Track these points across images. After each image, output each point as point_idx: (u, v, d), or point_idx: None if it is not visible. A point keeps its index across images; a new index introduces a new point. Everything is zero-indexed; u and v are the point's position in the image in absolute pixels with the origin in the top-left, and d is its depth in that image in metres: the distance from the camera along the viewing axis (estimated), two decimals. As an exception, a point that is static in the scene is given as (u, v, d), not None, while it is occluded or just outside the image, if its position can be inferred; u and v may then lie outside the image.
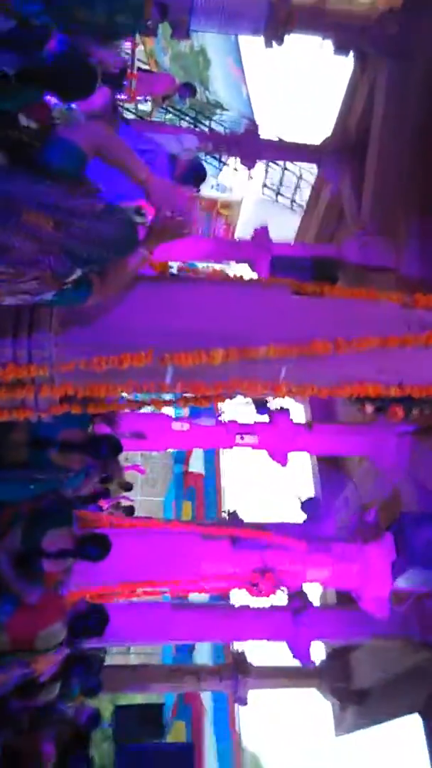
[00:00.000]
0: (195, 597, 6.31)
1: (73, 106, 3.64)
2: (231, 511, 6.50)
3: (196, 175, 5.53)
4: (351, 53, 8.94)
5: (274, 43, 8.86)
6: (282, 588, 5.26)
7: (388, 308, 3.09)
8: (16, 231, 2.03)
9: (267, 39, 8.78)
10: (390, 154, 8.60)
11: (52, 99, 3.33)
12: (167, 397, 3.16)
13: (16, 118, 2.86)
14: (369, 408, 3.20)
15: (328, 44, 8.98)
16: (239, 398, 7.75)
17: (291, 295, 2.97)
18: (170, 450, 12.88)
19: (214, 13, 8.37)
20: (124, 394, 3.02)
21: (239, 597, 5.91)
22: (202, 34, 11.96)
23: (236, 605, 6.36)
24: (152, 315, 2.71)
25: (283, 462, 7.95)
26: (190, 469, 12.49)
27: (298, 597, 6.24)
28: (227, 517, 6.71)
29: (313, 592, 7.24)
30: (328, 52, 9.06)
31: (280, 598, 5.78)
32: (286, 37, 8.72)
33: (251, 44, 10.36)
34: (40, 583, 3.63)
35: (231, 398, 3.10)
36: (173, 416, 7.92)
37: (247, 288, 3.00)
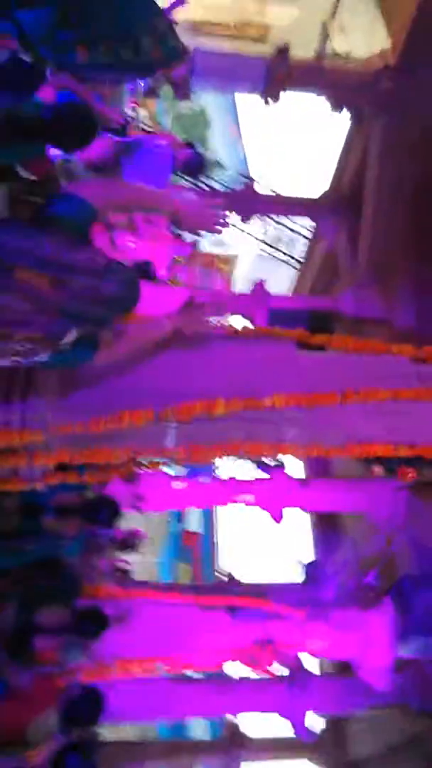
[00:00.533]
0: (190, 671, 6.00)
1: (72, 157, 3.58)
2: (228, 574, 6.23)
3: (196, 165, 6.21)
4: (346, 111, 9.14)
5: (270, 100, 9.06)
6: (280, 660, 4.98)
7: (397, 361, 2.97)
8: (7, 289, 1.90)
9: (265, 97, 8.96)
10: (385, 209, 8.67)
11: (52, 151, 3.27)
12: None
13: (15, 171, 2.78)
14: (378, 469, 3.04)
15: (324, 102, 9.18)
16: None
17: (296, 349, 2.86)
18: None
19: (215, 72, 8.54)
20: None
21: (234, 668, 5.61)
22: (202, 95, 12.26)
23: (232, 677, 6.04)
24: (154, 374, 2.57)
25: (278, 519, 7.75)
26: (186, 528, 12.19)
27: (294, 667, 5.93)
28: (224, 578, 6.45)
29: (312, 660, 6.93)
30: (324, 109, 9.25)
31: (277, 668, 5.49)
32: (282, 94, 8.92)
33: (247, 103, 10.59)
34: (31, 664, 3.37)
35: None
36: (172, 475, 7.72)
37: (251, 343, 2.88)
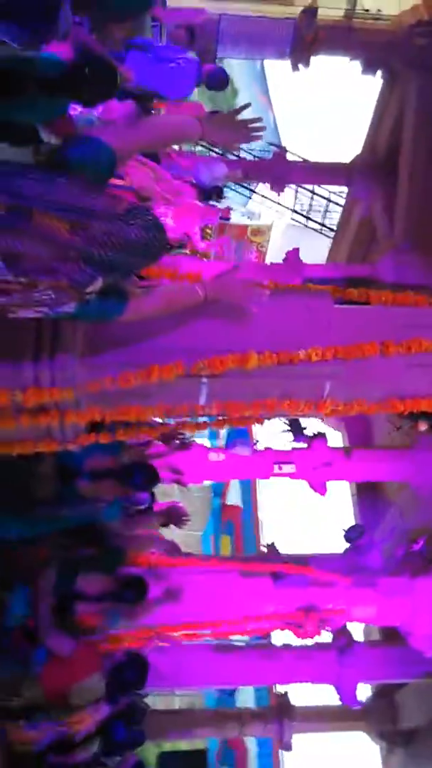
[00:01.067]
0: (236, 638, 5.99)
1: (95, 115, 3.50)
2: (270, 544, 6.17)
3: (219, 80, 6.48)
4: (379, 72, 8.85)
5: (300, 66, 8.83)
6: (326, 627, 4.92)
7: (440, 314, 2.83)
8: (26, 235, 1.83)
9: (293, 62, 8.73)
10: (422, 170, 8.38)
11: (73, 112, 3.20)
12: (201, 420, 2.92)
13: (37, 132, 2.71)
14: (423, 426, 2.92)
15: (356, 64, 8.91)
16: (275, 424, 7.49)
17: (332, 303, 2.74)
18: (208, 483, 12.63)
19: (240, 39, 8.36)
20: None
21: (281, 636, 5.58)
22: (229, 64, 12.02)
23: (278, 645, 6.01)
24: (185, 328, 2.49)
25: (323, 491, 7.63)
26: (228, 502, 12.19)
27: (342, 635, 5.86)
28: (266, 551, 6.39)
29: (357, 628, 6.86)
30: (355, 72, 8.98)
31: (324, 636, 5.44)
32: (313, 59, 8.68)
33: (277, 69, 10.33)
34: (75, 630, 3.37)
35: (270, 419, 2.85)
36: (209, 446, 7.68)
37: (285, 297, 2.77)
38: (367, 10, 9.45)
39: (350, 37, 8.87)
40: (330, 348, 2.59)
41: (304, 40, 8.46)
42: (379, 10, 9.46)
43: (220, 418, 2.82)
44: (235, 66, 11.90)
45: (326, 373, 2.65)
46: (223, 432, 9.29)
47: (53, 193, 1.85)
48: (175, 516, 5.04)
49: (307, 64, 8.74)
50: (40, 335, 2.36)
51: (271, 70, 12.00)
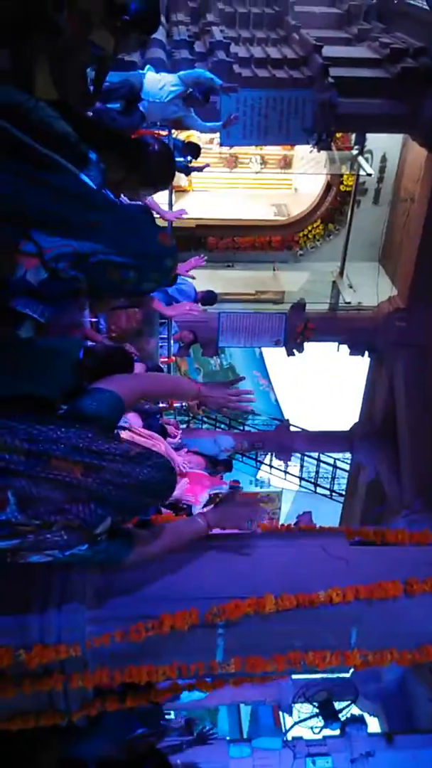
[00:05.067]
0: None
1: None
2: None
3: (210, 298, 7.77)
4: (366, 352, 9.83)
5: (295, 351, 9.84)
6: None
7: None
8: (41, 479, 1.89)
9: (288, 349, 9.76)
10: (420, 432, 8.80)
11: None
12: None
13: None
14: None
15: (344, 347, 9.94)
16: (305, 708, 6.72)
17: (347, 542, 2.68)
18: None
19: (238, 331, 9.44)
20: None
21: None
22: (229, 353, 13.40)
23: None
24: (195, 574, 2.41)
25: (367, 792, 6.55)
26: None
27: None
28: None
29: None
30: (345, 353, 9.97)
31: None
32: (306, 345, 9.70)
33: (275, 353, 11.47)
34: None
35: (297, 672, 2.59)
36: (228, 738, 6.78)
37: (297, 538, 2.72)
38: (348, 302, 10.87)
39: (337, 325, 10.06)
40: (351, 588, 2.46)
41: (295, 329, 9.56)
42: (359, 303, 10.89)
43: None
44: (236, 354, 13.25)
45: (350, 617, 2.49)
46: (245, 722, 8.27)
47: (69, 439, 1.95)
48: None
49: (300, 349, 9.75)
50: (49, 586, 2.27)
51: (269, 355, 13.29)
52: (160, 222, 6.84)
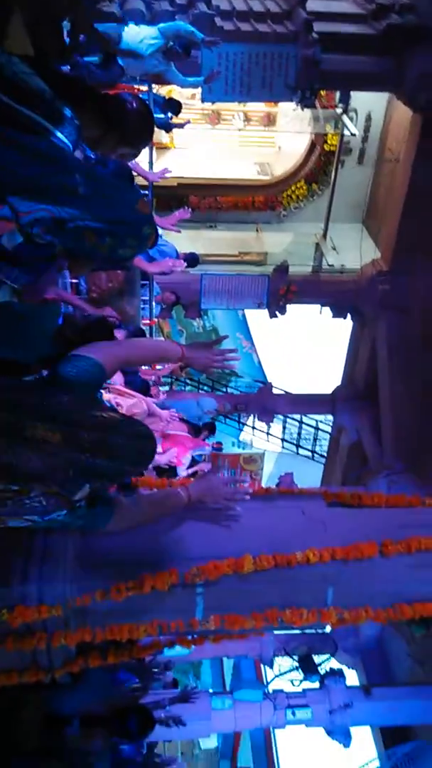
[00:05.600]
0: None
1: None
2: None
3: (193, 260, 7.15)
4: (349, 315, 9.85)
5: (277, 313, 9.83)
6: None
7: (435, 513, 2.81)
8: (19, 445, 1.89)
9: (271, 311, 9.74)
10: (401, 395, 8.90)
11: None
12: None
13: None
14: (440, 635, 2.73)
15: (327, 310, 9.95)
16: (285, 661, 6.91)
17: (325, 504, 2.73)
18: (213, 744, 11.26)
19: (221, 293, 9.40)
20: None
21: None
22: (212, 315, 13.35)
23: None
24: (175, 536, 2.44)
25: (346, 742, 6.79)
26: (240, 765, 10.66)
27: None
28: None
29: None
30: (327, 316, 9.98)
31: None
32: (288, 307, 9.69)
33: (259, 318, 11.46)
34: None
35: (274, 629, 2.66)
36: (210, 690, 6.96)
37: (276, 500, 2.77)
38: (331, 265, 10.83)
39: (319, 288, 10.04)
40: (328, 549, 2.52)
41: (278, 292, 9.53)
42: (342, 265, 10.85)
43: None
44: (219, 315, 13.21)
45: (327, 577, 2.55)
46: (227, 675, 8.51)
47: (47, 407, 1.94)
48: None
49: (283, 311, 9.75)
50: (30, 549, 2.30)
51: (252, 317, 13.26)
52: (141, 181, 6.76)
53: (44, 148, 1.99)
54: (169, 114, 7.98)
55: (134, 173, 5.46)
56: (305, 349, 12.75)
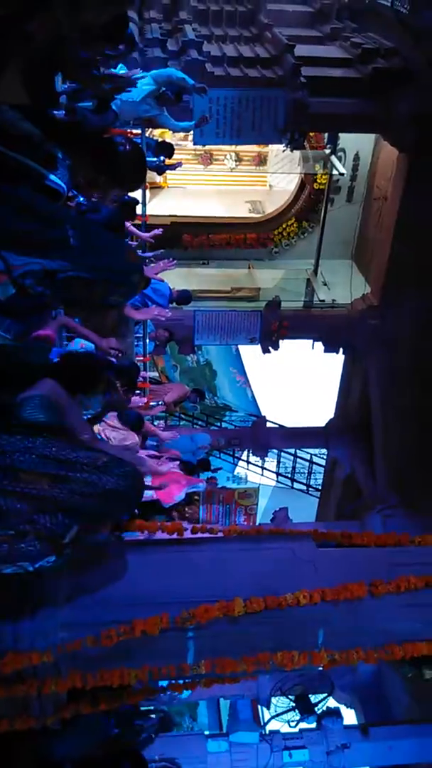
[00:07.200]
0: None
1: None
2: None
3: (185, 298, 7.42)
4: (340, 349, 9.93)
5: (270, 348, 9.90)
6: None
7: (426, 551, 2.82)
8: (9, 492, 1.92)
9: (263, 346, 9.82)
10: (394, 428, 8.93)
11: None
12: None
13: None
14: (429, 674, 2.73)
15: (319, 344, 10.03)
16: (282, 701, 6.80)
17: (315, 546, 2.74)
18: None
19: (214, 329, 9.48)
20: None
21: None
22: (206, 350, 13.46)
23: None
24: (165, 578, 2.45)
25: (343, 786, 6.67)
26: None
27: None
28: None
29: None
30: (320, 351, 10.06)
31: None
32: (281, 342, 9.77)
33: (252, 350, 11.54)
34: None
35: (266, 672, 2.65)
36: (207, 732, 6.84)
37: (267, 541, 2.78)
38: (323, 300, 10.96)
39: (311, 323, 10.14)
40: (318, 590, 2.53)
41: (271, 328, 9.62)
42: (333, 300, 10.99)
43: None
44: (213, 351, 13.31)
45: (318, 618, 2.55)
46: (224, 715, 8.36)
47: (36, 449, 1.98)
48: None
49: (276, 346, 9.82)
50: (22, 593, 2.31)
51: (245, 352, 13.37)
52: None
53: (35, 202, 2.06)
54: (162, 157, 8.15)
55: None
56: (298, 384, 12.83)
